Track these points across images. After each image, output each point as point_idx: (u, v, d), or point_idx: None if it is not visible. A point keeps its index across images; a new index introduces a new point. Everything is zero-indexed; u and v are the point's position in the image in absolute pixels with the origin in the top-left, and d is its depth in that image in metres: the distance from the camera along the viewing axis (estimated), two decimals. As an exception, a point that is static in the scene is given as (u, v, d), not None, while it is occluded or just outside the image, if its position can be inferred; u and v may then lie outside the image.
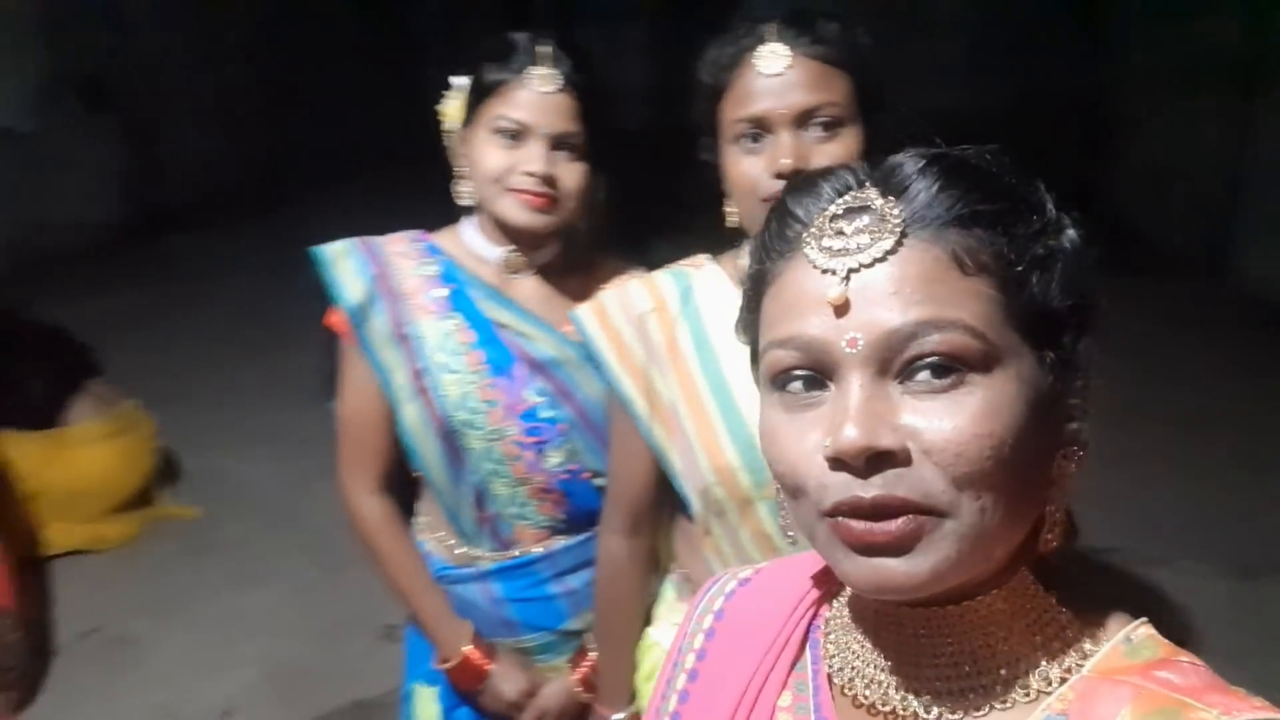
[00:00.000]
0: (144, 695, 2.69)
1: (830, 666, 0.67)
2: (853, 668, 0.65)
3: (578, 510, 1.48)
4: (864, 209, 0.57)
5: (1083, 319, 0.60)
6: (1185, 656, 0.59)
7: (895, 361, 0.55)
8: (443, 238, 1.49)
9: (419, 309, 1.43)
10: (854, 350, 0.55)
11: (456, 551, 1.52)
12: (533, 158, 1.33)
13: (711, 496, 1.24)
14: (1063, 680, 0.59)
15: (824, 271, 0.56)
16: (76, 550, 3.27)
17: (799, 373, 0.58)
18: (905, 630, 0.62)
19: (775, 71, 1.10)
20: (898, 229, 0.56)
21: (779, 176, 1.10)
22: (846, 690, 0.65)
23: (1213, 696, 0.54)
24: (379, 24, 8.36)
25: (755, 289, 0.63)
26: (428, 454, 1.46)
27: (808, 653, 0.70)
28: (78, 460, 3.26)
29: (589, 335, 1.30)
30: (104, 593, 3.11)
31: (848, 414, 0.54)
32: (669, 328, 1.26)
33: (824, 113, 1.11)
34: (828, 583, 0.72)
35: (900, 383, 0.55)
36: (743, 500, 1.23)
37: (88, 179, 6.26)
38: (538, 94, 1.33)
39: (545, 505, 1.48)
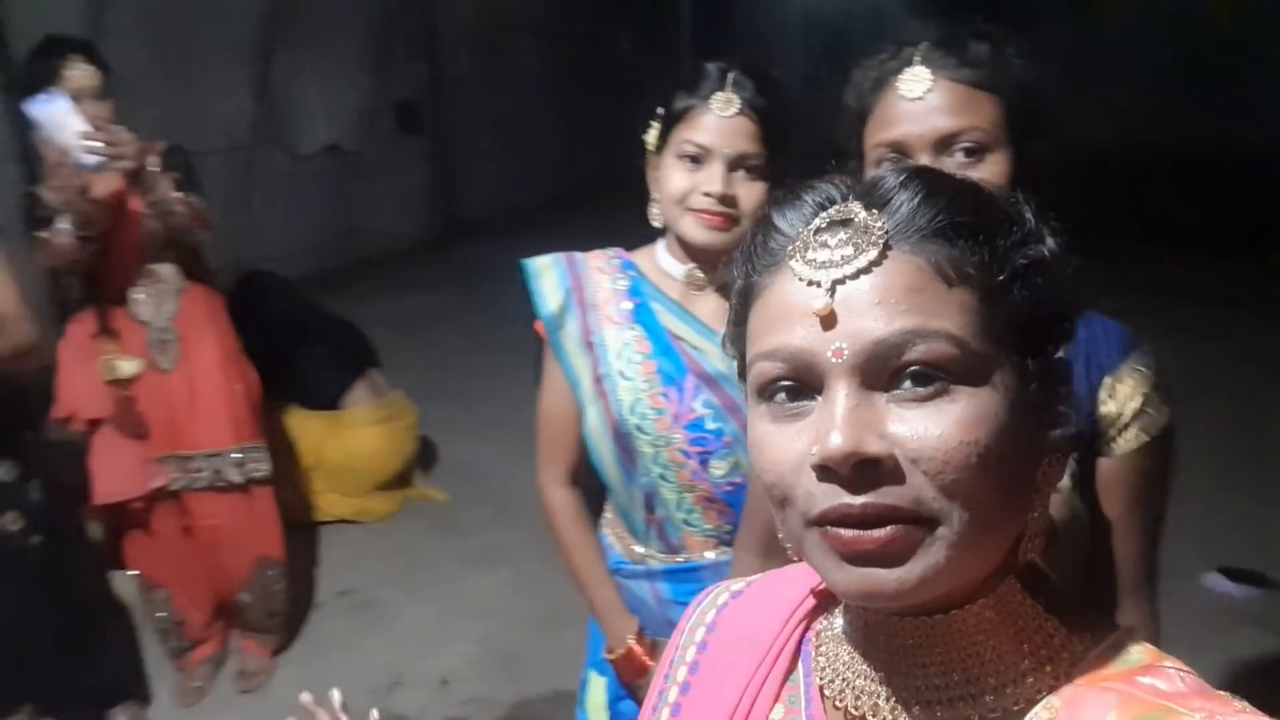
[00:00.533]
0: (380, 655, 2.98)
1: (821, 678, 0.67)
2: (843, 679, 0.65)
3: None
4: (847, 222, 0.58)
5: (1064, 327, 0.61)
6: (1171, 663, 0.59)
7: (881, 371, 0.55)
8: (638, 255, 1.57)
9: (606, 319, 1.52)
10: (840, 360, 0.55)
11: (631, 548, 1.59)
12: (712, 179, 1.37)
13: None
14: (1050, 688, 0.59)
15: (809, 283, 0.57)
16: (342, 519, 3.68)
17: (785, 383, 0.58)
18: (895, 641, 0.62)
19: (915, 95, 1.06)
20: (881, 241, 0.56)
21: None
22: (838, 703, 0.65)
23: (1197, 702, 0.54)
24: (665, 59, 8.73)
25: (742, 302, 0.63)
26: (603, 454, 1.53)
27: (800, 665, 0.70)
28: (352, 440, 3.66)
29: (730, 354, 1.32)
30: (360, 560, 3.48)
31: (834, 422, 0.54)
32: None
33: (966, 138, 1.05)
34: (819, 595, 0.72)
35: (886, 392, 0.56)
36: None
37: (397, 193, 7.03)
38: (717, 118, 1.37)
39: (710, 514, 1.51)
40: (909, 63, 1.08)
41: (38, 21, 4.09)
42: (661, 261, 1.53)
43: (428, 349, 5.00)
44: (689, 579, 1.54)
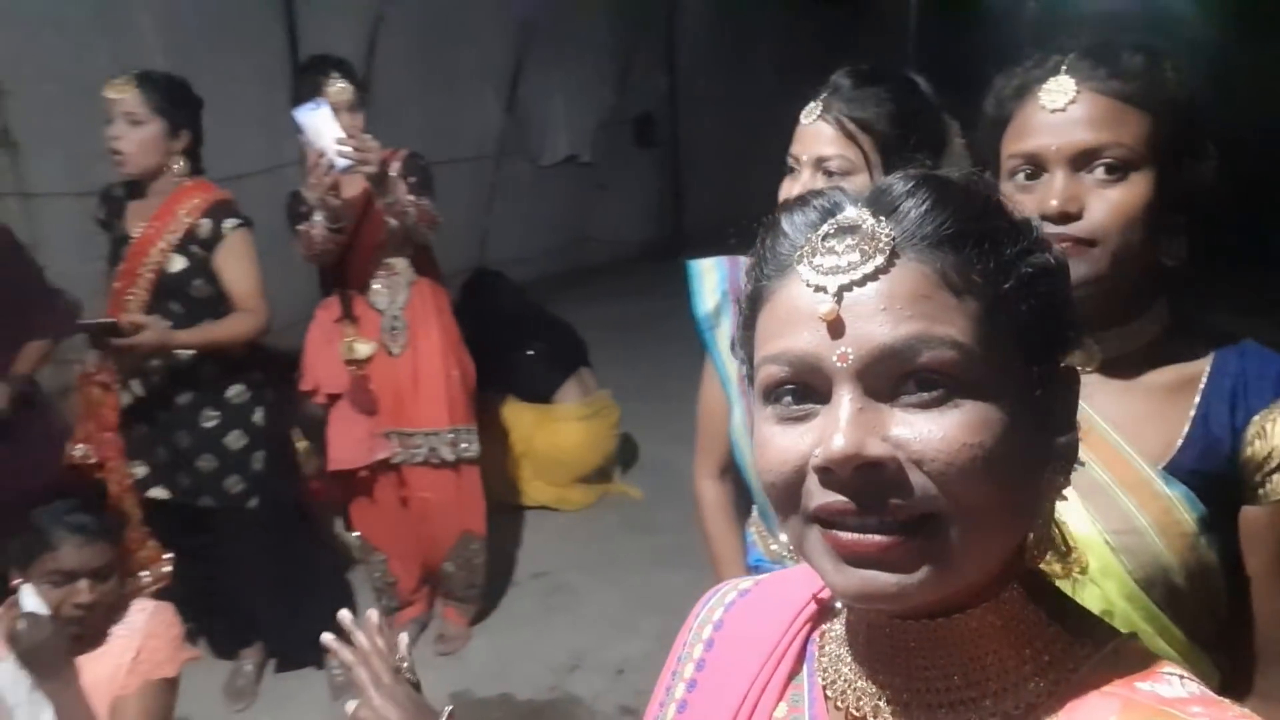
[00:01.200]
0: (565, 637, 3.15)
1: (824, 679, 0.68)
2: (845, 680, 0.65)
3: None
4: (855, 228, 0.58)
5: (1069, 336, 0.61)
6: (1171, 669, 0.59)
7: (885, 376, 0.55)
8: None
9: None
10: (845, 365, 0.55)
11: (770, 547, 1.63)
12: (793, 186, 1.40)
13: None
14: (1051, 693, 0.59)
15: (816, 289, 0.57)
16: (544, 506, 3.91)
17: (791, 387, 0.58)
18: (896, 644, 0.62)
19: (1057, 107, 1.01)
20: (887, 247, 0.56)
21: (1045, 219, 1.00)
22: (840, 704, 0.65)
23: (1197, 707, 0.55)
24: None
25: (751, 307, 0.64)
26: (746, 452, 1.58)
27: (805, 666, 0.70)
28: (559, 432, 3.89)
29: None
30: (557, 545, 3.69)
31: (837, 425, 0.55)
32: None
33: (1108, 154, 0.99)
34: (825, 596, 0.72)
35: (891, 398, 0.56)
36: None
37: (629, 204, 7.32)
38: (803, 126, 1.41)
39: None
40: (1054, 71, 1.03)
41: (325, 44, 4.62)
42: None
43: (638, 351, 5.19)
44: None
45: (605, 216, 7.14)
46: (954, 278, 0.56)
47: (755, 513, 1.68)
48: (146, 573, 2.79)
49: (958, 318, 0.55)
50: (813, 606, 0.73)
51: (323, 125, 2.60)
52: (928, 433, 0.54)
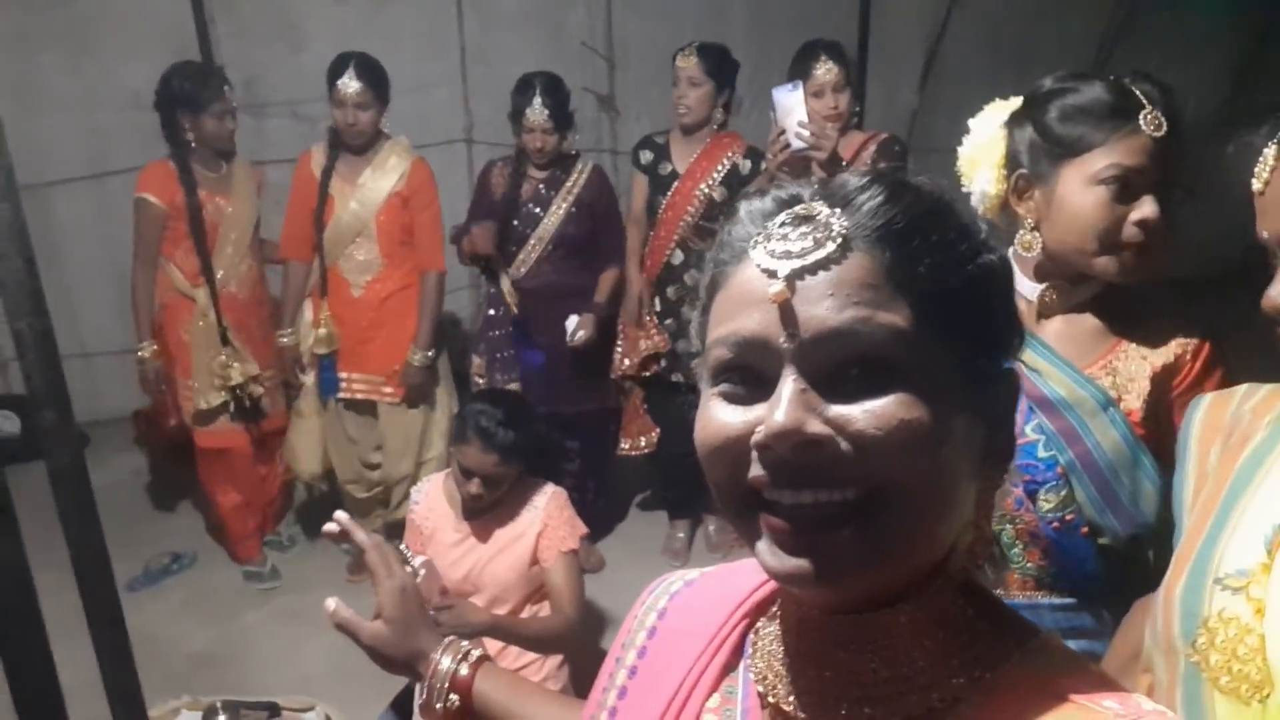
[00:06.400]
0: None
1: (755, 672, 0.69)
2: (775, 673, 0.66)
3: (1068, 566, 1.38)
4: (810, 218, 0.59)
5: (1010, 338, 0.63)
6: (1090, 666, 0.62)
7: (829, 361, 0.56)
8: None
9: None
10: (791, 346, 0.56)
11: None
12: (1147, 207, 1.32)
13: (1153, 623, 1.06)
14: (974, 687, 0.60)
15: (768, 272, 0.58)
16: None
17: (738, 368, 0.59)
18: (826, 637, 0.63)
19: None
20: (839, 237, 0.57)
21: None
22: (771, 697, 0.66)
23: (1110, 700, 0.56)
24: None
25: (709, 292, 0.65)
26: None
27: (742, 659, 0.71)
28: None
29: (1189, 430, 1.16)
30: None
31: (779, 403, 0.56)
32: (1244, 437, 1.07)
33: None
34: (767, 592, 0.73)
35: (833, 382, 0.56)
36: (1168, 645, 1.01)
37: (1212, 200, 6.28)
38: (1151, 139, 1.30)
39: (1032, 552, 1.40)
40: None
41: (895, 26, 4.74)
42: (1016, 281, 1.47)
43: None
44: None
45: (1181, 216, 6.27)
46: (900, 270, 0.57)
47: None
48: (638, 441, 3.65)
49: (902, 308, 0.56)
50: (754, 600, 0.73)
51: (792, 106, 2.80)
52: (865, 414, 0.55)
